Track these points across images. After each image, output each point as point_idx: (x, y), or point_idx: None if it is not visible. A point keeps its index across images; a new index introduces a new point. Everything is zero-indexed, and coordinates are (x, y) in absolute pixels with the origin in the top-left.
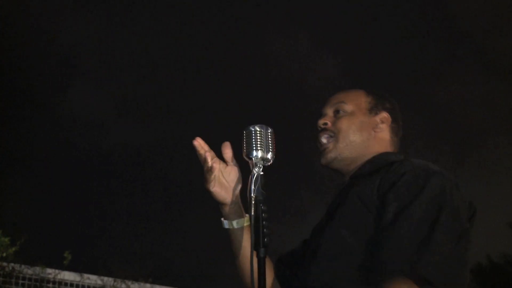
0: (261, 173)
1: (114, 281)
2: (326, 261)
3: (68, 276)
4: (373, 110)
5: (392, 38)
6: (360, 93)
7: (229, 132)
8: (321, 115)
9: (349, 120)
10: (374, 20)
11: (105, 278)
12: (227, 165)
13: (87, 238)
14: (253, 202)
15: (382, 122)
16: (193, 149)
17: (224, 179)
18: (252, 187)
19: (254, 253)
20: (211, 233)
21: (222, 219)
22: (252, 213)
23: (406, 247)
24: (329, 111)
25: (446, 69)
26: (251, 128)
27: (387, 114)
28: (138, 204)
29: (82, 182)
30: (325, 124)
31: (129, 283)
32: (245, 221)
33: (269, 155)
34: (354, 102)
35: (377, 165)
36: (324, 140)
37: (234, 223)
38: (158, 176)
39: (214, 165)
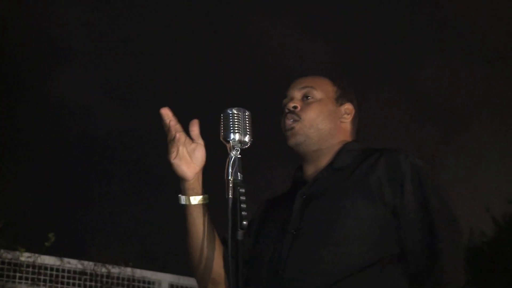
0: (239, 156)
1: (95, 265)
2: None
3: (48, 260)
4: (339, 100)
5: (377, 22)
6: (327, 82)
7: (217, 115)
8: (286, 96)
9: (318, 107)
10: (359, 5)
11: (86, 263)
12: (192, 141)
13: (68, 222)
14: (230, 184)
15: (347, 113)
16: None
17: (186, 154)
18: (230, 169)
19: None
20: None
21: (180, 194)
22: (230, 196)
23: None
24: (297, 95)
25: (430, 52)
26: (228, 111)
27: (351, 105)
28: (120, 188)
29: (65, 166)
30: (295, 107)
31: (110, 267)
32: (203, 199)
33: (247, 138)
34: (323, 90)
35: (353, 155)
36: (290, 121)
37: (192, 199)
38: (142, 160)
39: (178, 135)
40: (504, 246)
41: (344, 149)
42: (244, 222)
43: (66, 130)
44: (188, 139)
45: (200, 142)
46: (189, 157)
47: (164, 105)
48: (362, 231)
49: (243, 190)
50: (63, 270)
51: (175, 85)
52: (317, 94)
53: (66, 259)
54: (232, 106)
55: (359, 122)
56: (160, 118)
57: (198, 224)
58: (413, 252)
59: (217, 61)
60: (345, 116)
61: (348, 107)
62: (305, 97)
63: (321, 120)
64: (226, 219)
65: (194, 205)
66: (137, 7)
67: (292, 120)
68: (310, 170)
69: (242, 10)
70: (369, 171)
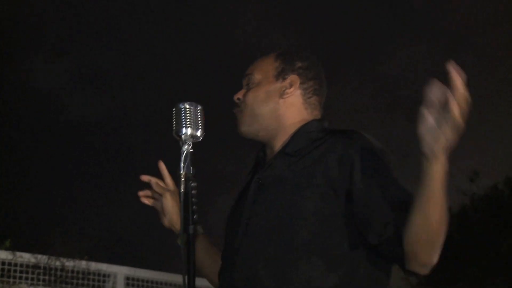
0: (191, 150)
1: (48, 258)
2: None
3: (0, 254)
4: (281, 75)
5: (342, 9)
6: (269, 59)
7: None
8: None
9: (254, 92)
10: None
11: (39, 256)
12: (165, 184)
13: (21, 214)
14: (182, 179)
15: (291, 85)
16: (150, 128)
17: (161, 210)
18: (182, 164)
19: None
20: (149, 211)
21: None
22: (182, 190)
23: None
24: (244, 84)
25: (395, 40)
26: (180, 105)
27: (296, 75)
28: (76, 180)
29: (22, 154)
30: (238, 99)
31: (64, 260)
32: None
33: (198, 132)
34: (261, 71)
35: (309, 137)
36: (235, 113)
37: (179, 241)
38: (105, 151)
39: (149, 202)
40: (456, 233)
41: (299, 132)
42: (195, 216)
43: (34, 117)
44: (161, 193)
45: (167, 190)
46: (169, 212)
47: (136, 93)
48: (308, 223)
49: (195, 184)
50: (16, 264)
51: (147, 72)
52: (256, 78)
53: (18, 253)
54: (203, 95)
55: (323, 93)
56: (131, 105)
57: (198, 253)
58: (369, 229)
59: (187, 50)
60: (288, 90)
61: (292, 78)
62: (247, 84)
63: (258, 105)
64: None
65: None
66: None
67: (236, 111)
68: (269, 152)
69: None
70: (320, 157)
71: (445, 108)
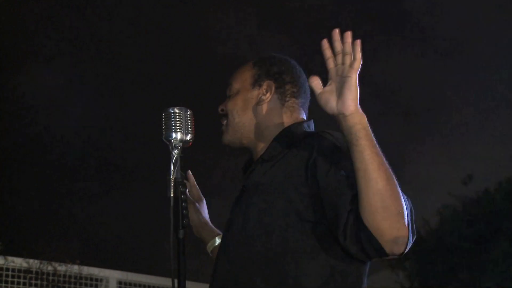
0: (181, 155)
1: (40, 263)
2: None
3: None
4: (257, 82)
5: (334, 14)
6: (247, 68)
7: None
8: None
9: (233, 101)
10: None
11: (31, 261)
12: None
13: (13, 219)
14: (172, 183)
15: (267, 91)
16: (141, 133)
17: (193, 222)
18: (172, 168)
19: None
20: (141, 215)
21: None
22: (172, 195)
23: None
24: (227, 93)
25: (386, 45)
26: (170, 110)
27: (271, 80)
28: (68, 186)
29: (18, 162)
30: (222, 110)
31: (56, 265)
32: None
33: (188, 137)
34: (239, 80)
35: (285, 142)
36: (222, 123)
37: (208, 249)
38: (97, 158)
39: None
40: (447, 236)
41: (278, 137)
42: (185, 221)
43: (27, 127)
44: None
45: (191, 202)
46: (199, 223)
47: (128, 103)
48: (277, 229)
49: (185, 189)
50: (7, 269)
51: (140, 82)
52: (234, 87)
53: (10, 258)
54: (195, 100)
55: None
56: (122, 115)
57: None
58: (337, 231)
59: (178, 59)
60: (263, 97)
61: (267, 84)
62: (228, 95)
63: (237, 114)
64: (168, 218)
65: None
66: (101, 5)
67: (222, 121)
68: (254, 158)
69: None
70: (290, 162)
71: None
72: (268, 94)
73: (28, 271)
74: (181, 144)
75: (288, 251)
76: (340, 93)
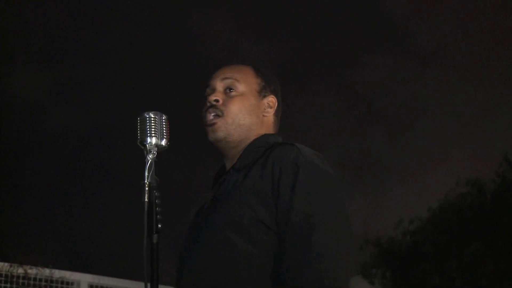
0: (155, 159)
1: (10, 266)
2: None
3: None
4: (262, 92)
5: (315, 23)
6: (251, 72)
7: (170, 114)
8: (208, 86)
9: (240, 102)
10: (297, 4)
11: (1, 264)
12: None
13: None
14: (146, 188)
15: (269, 106)
16: (116, 137)
17: None
18: (146, 173)
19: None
20: (115, 219)
21: None
22: (146, 199)
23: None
24: (220, 86)
25: (369, 52)
26: (145, 114)
27: (274, 98)
28: (40, 188)
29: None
30: (217, 101)
31: (27, 268)
32: None
33: (163, 142)
34: (246, 82)
35: (257, 152)
36: (211, 117)
37: None
38: (74, 160)
39: None
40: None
41: (250, 146)
42: (159, 225)
43: (11, 124)
44: None
45: None
46: None
47: (116, 104)
48: (240, 240)
49: (159, 194)
50: None
51: (126, 84)
52: (240, 87)
53: None
54: (175, 104)
55: (282, 114)
56: (101, 119)
57: None
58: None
59: (161, 61)
60: (268, 110)
61: (271, 99)
62: (228, 89)
63: (243, 116)
64: (142, 222)
65: None
66: (89, 6)
67: (214, 114)
68: (227, 167)
69: (181, 10)
70: (258, 173)
71: None
72: (271, 110)
73: None
74: (156, 148)
75: (254, 259)
76: None
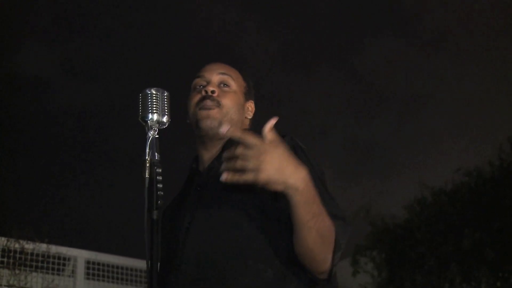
0: (156, 136)
1: (7, 241)
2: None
3: None
4: (247, 96)
5: (320, 6)
6: (239, 75)
7: (173, 94)
8: (200, 76)
9: (233, 97)
10: None
11: None
12: None
13: None
14: (147, 164)
15: (250, 110)
16: (116, 114)
17: None
18: (147, 149)
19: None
20: (115, 195)
21: None
22: (147, 176)
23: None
24: (215, 79)
25: (374, 35)
26: (147, 91)
27: (253, 104)
28: (40, 163)
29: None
30: (213, 92)
31: (24, 243)
32: None
33: (165, 119)
34: (237, 82)
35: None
36: (209, 103)
37: None
38: (71, 137)
39: None
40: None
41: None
42: (160, 202)
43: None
44: None
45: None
46: None
47: (122, 82)
48: (248, 218)
49: (160, 170)
50: None
51: (131, 62)
52: (233, 84)
53: None
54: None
55: (287, 97)
56: (115, 94)
57: None
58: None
59: (167, 40)
60: (249, 112)
61: (251, 105)
62: (223, 84)
63: (235, 111)
64: (143, 198)
65: None
66: None
67: (211, 104)
68: (206, 158)
69: None
70: None
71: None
72: (251, 114)
73: None
74: (157, 125)
75: (260, 246)
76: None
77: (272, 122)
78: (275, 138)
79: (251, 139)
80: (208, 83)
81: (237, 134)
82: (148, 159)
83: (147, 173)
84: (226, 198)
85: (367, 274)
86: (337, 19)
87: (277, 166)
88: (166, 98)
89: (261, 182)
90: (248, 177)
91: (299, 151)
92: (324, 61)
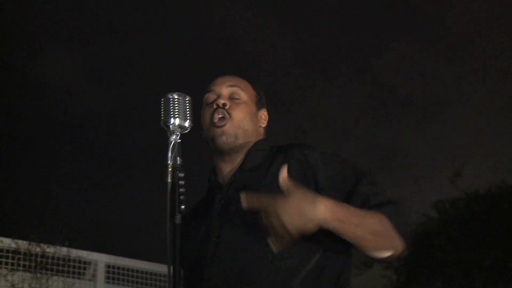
0: (178, 140)
1: (29, 244)
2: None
3: None
4: (258, 104)
5: (341, 8)
6: (248, 84)
7: (194, 98)
8: (210, 91)
9: (245, 108)
10: None
11: (20, 241)
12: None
13: (2, 199)
14: (169, 169)
15: (263, 118)
16: (139, 118)
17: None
18: (169, 154)
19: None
20: (135, 201)
21: None
22: (169, 180)
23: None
24: (224, 92)
25: (394, 39)
26: (169, 95)
27: (266, 112)
28: (64, 168)
29: (13, 142)
30: (225, 105)
31: (45, 246)
32: None
33: (186, 123)
34: (247, 92)
35: (261, 154)
36: (218, 116)
37: None
38: (93, 140)
39: None
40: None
41: (253, 149)
42: (182, 206)
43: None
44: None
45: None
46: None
47: (142, 87)
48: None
49: (182, 175)
50: None
51: (153, 67)
52: (243, 95)
53: None
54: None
55: (305, 102)
56: (136, 99)
57: None
58: None
59: (187, 44)
60: (262, 121)
61: (264, 113)
62: (233, 96)
63: (247, 122)
64: (165, 203)
65: None
66: None
67: (221, 116)
68: (226, 171)
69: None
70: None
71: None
72: (265, 122)
73: (16, 251)
74: (179, 130)
75: (291, 258)
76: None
77: (285, 171)
78: (290, 186)
79: (262, 202)
80: (219, 96)
81: (251, 204)
82: (170, 163)
83: (169, 177)
84: (252, 213)
85: (384, 278)
86: (357, 22)
87: (296, 213)
88: (188, 103)
89: (294, 235)
90: (279, 235)
91: (326, 159)
92: (344, 64)
